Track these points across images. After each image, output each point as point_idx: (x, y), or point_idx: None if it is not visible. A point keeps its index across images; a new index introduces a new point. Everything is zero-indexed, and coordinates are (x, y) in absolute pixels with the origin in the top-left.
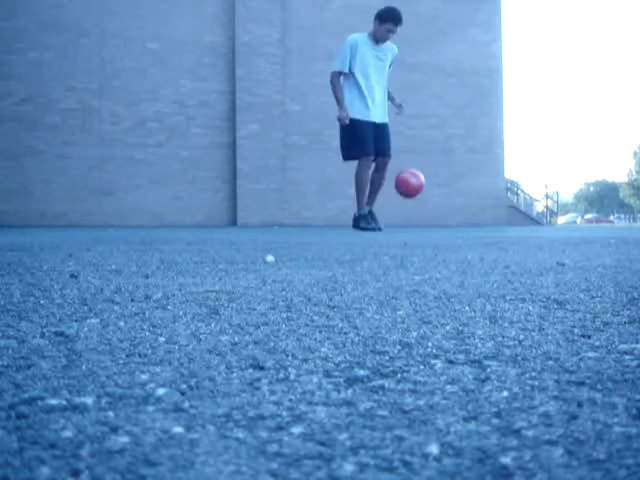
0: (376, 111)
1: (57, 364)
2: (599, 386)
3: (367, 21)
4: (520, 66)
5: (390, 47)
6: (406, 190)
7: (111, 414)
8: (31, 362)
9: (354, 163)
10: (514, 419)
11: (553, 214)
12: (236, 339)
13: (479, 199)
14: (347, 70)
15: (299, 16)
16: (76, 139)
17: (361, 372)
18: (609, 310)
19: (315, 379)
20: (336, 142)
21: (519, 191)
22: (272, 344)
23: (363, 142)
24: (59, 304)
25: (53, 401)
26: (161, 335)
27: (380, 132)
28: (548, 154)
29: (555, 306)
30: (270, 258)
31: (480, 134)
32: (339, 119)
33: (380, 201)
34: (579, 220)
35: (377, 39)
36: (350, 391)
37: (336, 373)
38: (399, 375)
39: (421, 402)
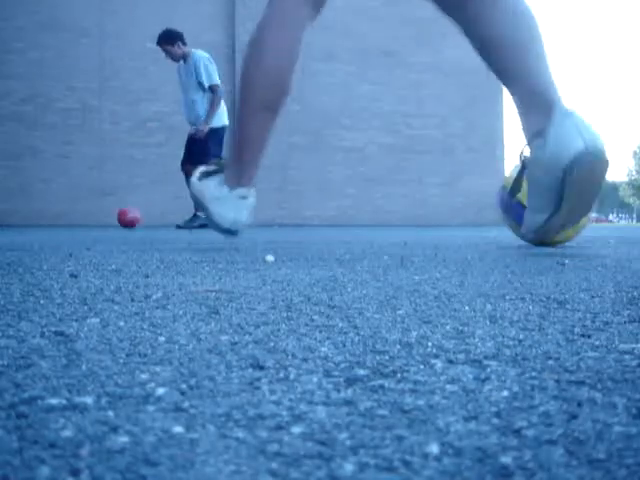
0: None
1: (57, 364)
2: (599, 386)
3: (367, 21)
4: None
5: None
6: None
7: (111, 414)
8: (31, 362)
9: (354, 163)
10: (514, 419)
11: None
12: (236, 339)
13: (479, 199)
14: None
15: None
16: (76, 139)
17: (361, 372)
18: (609, 310)
19: (315, 379)
20: (336, 142)
21: None
22: (272, 344)
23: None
24: (59, 304)
25: (53, 400)
26: (161, 335)
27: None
28: None
29: (555, 306)
30: (270, 258)
31: (480, 134)
32: (199, 132)
33: (380, 200)
34: None
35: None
36: (350, 391)
37: (336, 373)
38: (399, 375)
39: (421, 402)
